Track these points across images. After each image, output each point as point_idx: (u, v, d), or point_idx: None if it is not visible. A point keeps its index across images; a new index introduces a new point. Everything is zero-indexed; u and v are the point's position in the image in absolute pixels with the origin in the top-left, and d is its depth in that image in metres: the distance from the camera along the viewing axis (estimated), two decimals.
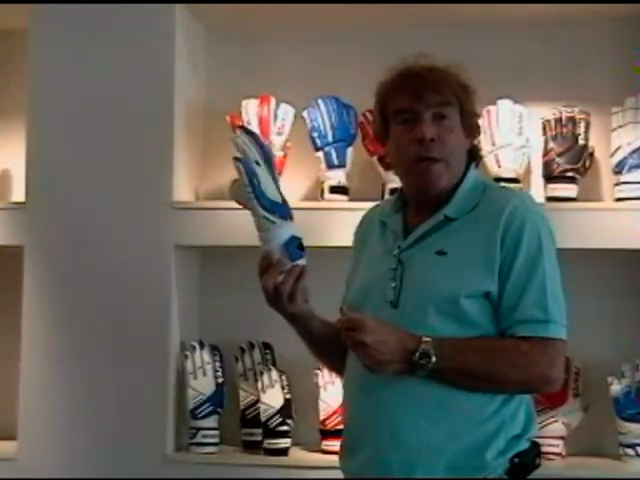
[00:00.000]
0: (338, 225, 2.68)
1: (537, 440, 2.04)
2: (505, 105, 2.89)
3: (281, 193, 2.01)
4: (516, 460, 1.96)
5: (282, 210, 2.00)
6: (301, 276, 2.00)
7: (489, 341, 1.96)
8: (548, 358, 1.94)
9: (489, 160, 2.86)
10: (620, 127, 2.86)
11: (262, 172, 1.98)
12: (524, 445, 1.98)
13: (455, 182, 2.05)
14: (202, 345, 2.97)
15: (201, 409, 2.92)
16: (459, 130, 2.05)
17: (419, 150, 2.01)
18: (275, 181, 2.01)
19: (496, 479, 1.94)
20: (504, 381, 1.94)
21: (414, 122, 2.01)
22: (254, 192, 1.97)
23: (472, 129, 2.10)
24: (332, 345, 2.12)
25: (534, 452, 2.00)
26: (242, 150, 1.98)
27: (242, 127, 2.13)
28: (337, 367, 2.18)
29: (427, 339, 1.89)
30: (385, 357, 1.88)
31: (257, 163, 1.98)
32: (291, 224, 2.01)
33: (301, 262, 2.00)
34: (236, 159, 1.98)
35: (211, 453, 2.92)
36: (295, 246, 2.00)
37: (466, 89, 2.06)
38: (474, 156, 2.13)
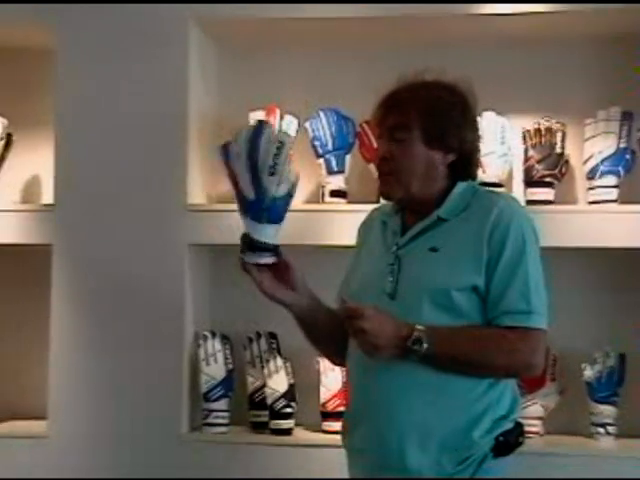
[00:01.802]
0: (337, 226, 2.67)
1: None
2: (489, 117, 2.88)
3: (260, 195, 1.93)
4: (501, 439, 1.96)
5: (246, 205, 1.95)
6: (263, 274, 1.97)
7: (477, 330, 1.96)
8: (530, 346, 1.95)
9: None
10: (593, 137, 2.87)
11: (237, 164, 1.92)
12: (509, 425, 1.98)
13: (425, 192, 2.02)
14: (214, 335, 2.97)
15: (213, 393, 2.92)
16: (418, 148, 2.01)
17: (378, 164, 2.07)
18: (258, 183, 1.92)
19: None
20: (490, 366, 1.95)
21: (381, 139, 2.06)
22: (228, 176, 1.95)
23: (440, 142, 2.02)
24: (332, 333, 2.11)
25: (518, 431, 2.01)
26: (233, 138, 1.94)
27: (260, 121, 1.98)
28: (334, 353, 2.19)
29: (420, 327, 1.89)
30: (381, 342, 1.88)
31: (237, 154, 1.93)
32: (250, 222, 1.94)
33: (248, 258, 1.95)
34: (222, 145, 1.95)
35: (222, 433, 2.92)
36: (242, 242, 1.95)
37: (435, 107, 2.02)
38: (462, 169, 2.07)
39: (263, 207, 1.93)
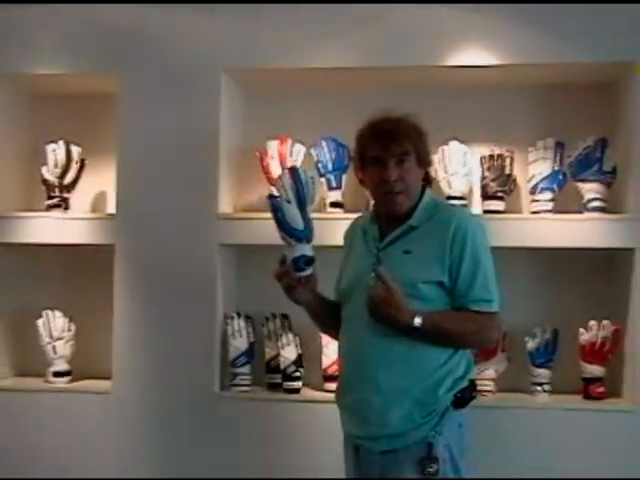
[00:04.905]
0: (336, 230, 2.62)
1: (475, 381, 2.10)
2: (454, 145, 2.92)
3: (306, 221, 1.96)
4: (458, 395, 2.02)
5: (299, 234, 1.94)
6: (305, 282, 2.01)
7: (457, 314, 2.01)
8: (492, 325, 2.03)
9: (443, 184, 2.90)
10: (534, 161, 2.90)
11: (289, 207, 1.93)
12: (465, 384, 2.04)
13: (415, 202, 2.08)
14: (239, 315, 3.00)
15: (238, 360, 2.95)
16: (415, 168, 2.07)
17: (386, 187, 2.05)
18: (304, 213, 1.94)
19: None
20: (465, 339, 2.02)
21: (383, 166, 2.03)
22: (277, 222, 1.95)
23: (425, 163, 2.11)
24: (329, 318, 2.17)
25: (471, 389, 2.06)
26: (278, 190, 1.96)
27: (291, 168, 1.99)
28: (331, 331, 2.22)
29: (419, 311, 1.94)
30: (392, 312, 1.92)
31: (288, 201, 1.93)
32: (304, 245, 1.95)
33: (305, 273, 1.98)
34: (269, 197, 1.96)
35: (245, 392, 2.95)
36: (302, 262, 1.96)
37: (420, 135, 2.08)
38: (427, 180, 2.15)
39: (308, 231, 1.97)
